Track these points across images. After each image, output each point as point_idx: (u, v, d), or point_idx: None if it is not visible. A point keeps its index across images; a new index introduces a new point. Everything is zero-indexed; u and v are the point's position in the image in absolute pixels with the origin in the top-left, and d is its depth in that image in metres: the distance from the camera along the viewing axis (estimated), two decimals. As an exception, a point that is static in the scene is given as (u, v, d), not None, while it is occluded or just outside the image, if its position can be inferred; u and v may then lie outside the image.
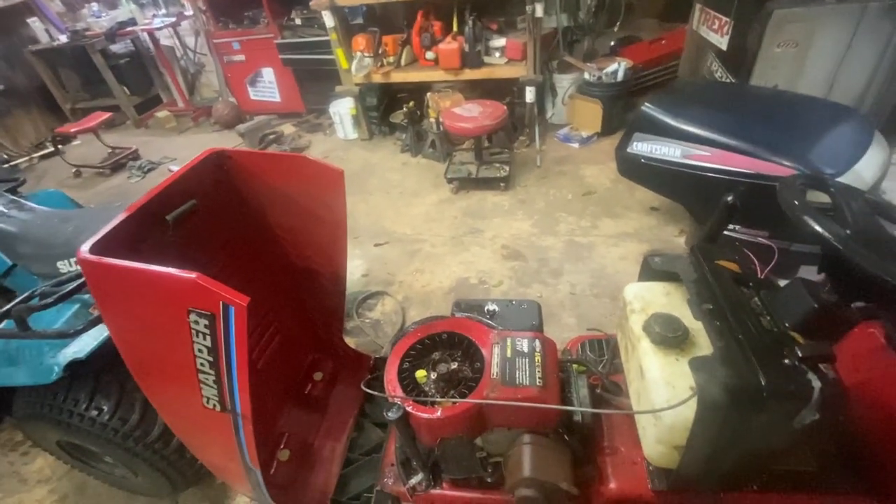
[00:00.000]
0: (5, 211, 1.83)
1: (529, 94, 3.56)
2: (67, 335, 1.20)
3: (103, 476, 1.79)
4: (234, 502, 1.78)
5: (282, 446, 1.39)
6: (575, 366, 1.26)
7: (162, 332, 0.81)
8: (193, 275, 0.72)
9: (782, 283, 0.94)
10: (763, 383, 0.72)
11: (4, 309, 1.17)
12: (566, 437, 1.12)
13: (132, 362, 0.90)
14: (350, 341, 2.20)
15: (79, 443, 1.55)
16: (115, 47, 5.48)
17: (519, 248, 2.82)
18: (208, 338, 0.76)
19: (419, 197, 3.48)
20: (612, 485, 1.07)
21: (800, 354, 0.74)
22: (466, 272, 2.69)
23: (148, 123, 5.69)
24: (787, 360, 0.75)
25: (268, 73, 4.92)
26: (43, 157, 5.23)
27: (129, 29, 5.24)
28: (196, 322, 0.75)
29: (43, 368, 1.27)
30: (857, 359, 1.17)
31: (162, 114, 5.52)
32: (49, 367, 1.26)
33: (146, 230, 0.92)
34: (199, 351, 0.78)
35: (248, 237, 1.25)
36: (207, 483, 1.82)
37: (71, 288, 1.18)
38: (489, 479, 1.19)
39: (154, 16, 5.57)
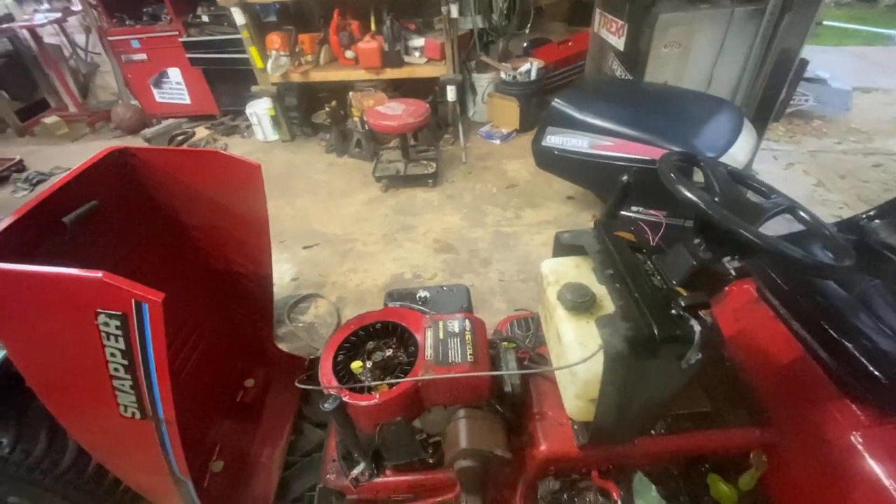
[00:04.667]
0: None
1: (451, 93, 3.66)
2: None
3: (6, 521, 1.60)
4: (165, 527, 1.67)
5: (214, 457, 1.33)
6: (504, 343, 1.33)
7: (68, 339, 0.75)
8: (99, 273, 0.68)
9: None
10: (656, 332, 0.82)
11: None
12: (498, 407, 1.20)
13: (35, 378, 0.82)
14: (283, 347, 2.14)
15: (-27, 485, 1.37)
16: (-11, 46, 4.82)
17: (450, 241, 2.90)
18: (121, 340, 0.72)
19: (348, 197, 3.45)
20: (543, 446, 1.16)
21: (683, 305, 0.85)
22: (400, 268, 2.71)
23: (34, 131, 5.06)
24: (673, 311, 0.86)
25: (174, 74, 4.59)
26: None
27: (4, 26, 4.63)
28: (106, 324, 0.71)
29: (-82, 404, 1.11)
30: (736, 311, 1.37)
31: (50, 120, 4.94)
32: (-74, 402, 1.11)
33: (40, 234, 0.84)
34: (112, 355, 0.74)
35: (162, 239, 1.18)
36: (132, 511, 1.69)
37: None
38: (430, 460, 1.23)
39: (35, 11, 4.96)
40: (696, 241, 0.96)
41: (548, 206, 3.13)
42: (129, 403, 0.80)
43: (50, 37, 4.98)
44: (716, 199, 0.98)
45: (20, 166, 4.32)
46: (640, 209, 2.19)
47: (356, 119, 3.76)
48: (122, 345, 0.73)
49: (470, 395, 1.14)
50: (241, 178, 1.11)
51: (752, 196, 1.05)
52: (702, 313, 0.87)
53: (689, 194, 0.85)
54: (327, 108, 3.86)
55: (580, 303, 0.99)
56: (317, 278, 2.69)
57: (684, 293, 0.92)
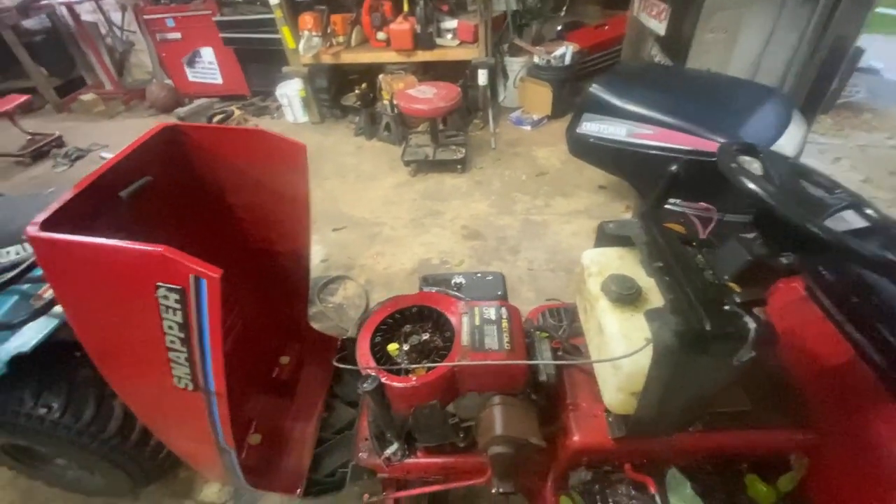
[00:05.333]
0: (-84, 200, 1.64)
1: (482, 77, 3.60)
2: (10, 326, 1.11)
3: (54, 479, 1.69)
4: (201, 494, 1.74)
5: (252, 430, 1.37)
6: (538, 332, 1.32)
7: (128, 310, 0.78)
8: (160, 248, 0.70)
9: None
10: (707, 327, 0.80)
11: (-67, 302, 1.07)
12: (533, 396, 1.19)
13: (93, 346, 0.86)
14: (314, 326, 2.18)
15: (26, 445, 1.45)
16: (29, 23, 4.94)
17: (478, 227, 2.88)
18: (179, 313, 0.74)
19: (376, 180, 3.45)
20: (576, 437, 1.15)
21: (737, 300, 0.83)
22: (428, 253, 2.71)
23: (71, 107, 5.21)
24: (727, 307, 0.84)
25: (207, 53, 4.63)
26: (-52, 146, 4.67)
27: (44, 2, 4.74)
28: (165, 297, 0.72)
29: (-19, 366, 1.17)
30: (782, 309, 1.32)
31: (87, 97, 5.07)
32: (-12, 364, 1.17)
33: (98, 207, 0.87)
34: (169, 328, 0.76)
35: (205, 216, 1.20)
36: (170, 477, 1.76)
37: (8, 278, 1.09)
38: (461, 444, 1.24)
39: (73, -12, 5.06)
40: (752, 235, 0.92)
41: (579, 195, 3.07)
42: (182, 375, 0.83)
43: (87, 14, 5.09)
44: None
45: (59, 142, 4.46)
46: (678, 201, 2.13)
47: (386, 102, 3.74)
48: (179, 318, 0.74)
49: (506, 382, 1.14)
50: (285, 158, 1.11)
51: (813, 190, 1.00)
52: (756, 311, 0.85)
53: (752, 185, 0.81)
54: (357, 91, 3.85)
55: (626, 295, 0.97)
56: (346, 260, 2.71)
57: (737, 289, 0.90)
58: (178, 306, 0.73)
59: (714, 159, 2.12)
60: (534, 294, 2.35)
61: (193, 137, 1.08)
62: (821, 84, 2.68)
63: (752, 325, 0.81)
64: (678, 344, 0.81)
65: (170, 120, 4.50)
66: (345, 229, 2.98)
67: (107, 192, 0.90)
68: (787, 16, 2.54)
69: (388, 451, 1.24)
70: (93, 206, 0.86)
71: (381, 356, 1.15)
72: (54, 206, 0.78)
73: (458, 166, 3.40)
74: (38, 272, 1.18)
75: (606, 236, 1.14)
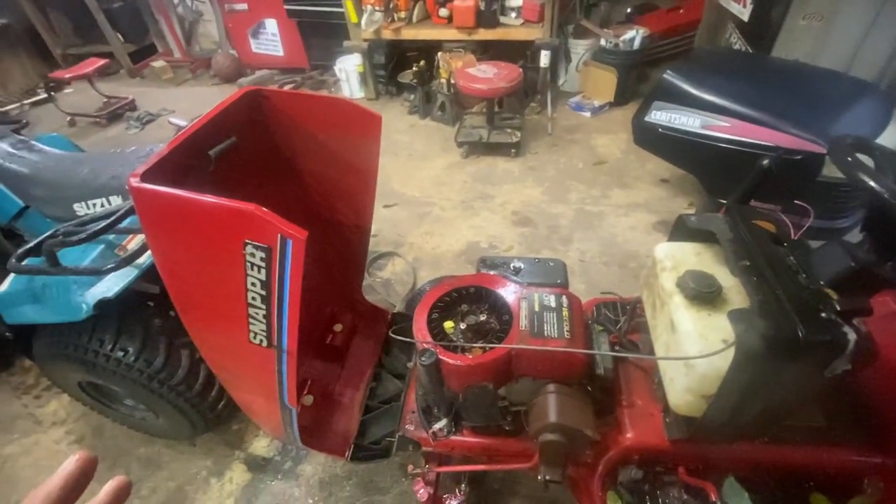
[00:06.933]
0: (14, 152, 1.78)
1: (544, 59, 3.48)
2: (100, 272, 1.19)
3: (122, 418, 1.83)
4: (251, 447, 1.84)
5: (305, 391, 1.42)
6: (595, 325, 1.28)
7: (215, 263, 0.81)
8: (251, 206, 0.71)
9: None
10: (801, 334, 0.74)
11: (34, 243, 1.15)
12: (588, 388, 1.17)
13: (179, 295, 0.91)
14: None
15: (102, 383, 1.58)
16: (109, -10, 5.21)
17: (529, 214, 2.83)
18: (263, 271, 0.76)
19: (428, 160, 3.44)
20: (630, 434, 1.12)
21: (837, 308, 0.77)
22: (477, 236, 2.70)
23: (143, 73, 5.49)
24: (823, 314, 0.78)
25: (271, 25, 4.73)
26: (34, 105, 5.04)
27: (123, -30, 4.97)
28: (252, 255, 0.75)
29: (71, 306, 1.27)
30: (867, 324, 1.22)
31: (158, 64, 5.31)
32: (77, 306, 1.26)
33: (188, 164, 0.90)
34: (252, 284, 0.79)
35: (279, 181, 1.23)
36: (225, 428, 1.87)
37: (100, 227, 1.16)
38: (507, 428, 1.23)
39: (149, -43, 5.28)
40: (860, 239, 0.85)
41: (639, 187, 2.94)
42: (259, 331, 0.86)
43: (162, -17, 5.29)
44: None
45: (132, 105, 4.71)
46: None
47: (442, 81, 3.70)
48: (263, 276, 0.77)
49: (563, 370, 1.12)
50: (361, 128, 1.12)
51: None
52: (855, 321, 0.79)
53: (872, 182, 0.74)
54: (415, 68, 3.83)
55: (705, 293, 0.92)
56: (395, 237, 2.74)
57: (835, 296, 0.83)
58: (262, 264, 0.75)
59: (798, 157, 1.96)
60: (584, 286, 2.29)
61: (274, 102, 1.10)
62: (926, 82, 2.42)
63: (851, 335, 0.75)
64: (766, 349, 0.76)
65: (233, 89, 4.66)
66: (395, 206, 3.00)
67: (197, 151, 0.94)
68: (893, 3, 2.29)
69: (436, 427, 1.26)
70: (184, 162, 0.89)
71: (436, 332, 1.16)
72: (153, 159, 0.81)
73: (512, 150, 3.33)
74: (123, 224, 1.25)
75: (684, 230, 1.08)
